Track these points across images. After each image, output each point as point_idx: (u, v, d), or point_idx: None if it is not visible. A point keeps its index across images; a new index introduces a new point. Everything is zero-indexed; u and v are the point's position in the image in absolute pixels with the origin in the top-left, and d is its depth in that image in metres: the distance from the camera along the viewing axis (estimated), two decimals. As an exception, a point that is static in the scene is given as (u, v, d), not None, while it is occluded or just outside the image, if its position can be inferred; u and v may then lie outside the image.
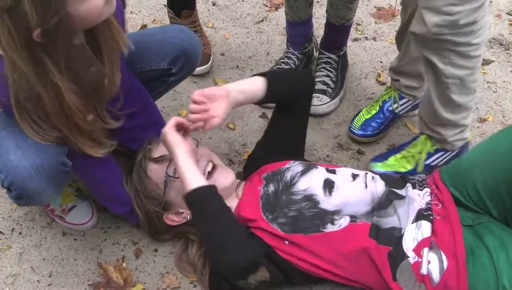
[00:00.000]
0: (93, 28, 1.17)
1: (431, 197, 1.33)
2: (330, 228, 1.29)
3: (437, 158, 1.66)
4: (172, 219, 1.44)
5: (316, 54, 2.07)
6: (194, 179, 1.25)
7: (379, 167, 1.67)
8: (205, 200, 1.25)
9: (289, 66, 1.97)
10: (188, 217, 1.39)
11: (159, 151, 1.43)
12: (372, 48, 2.18)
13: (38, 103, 1.12)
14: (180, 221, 1.44)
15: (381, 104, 1.82)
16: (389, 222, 1.28)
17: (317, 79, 1.94)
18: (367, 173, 1.40)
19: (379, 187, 1.35)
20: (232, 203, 1.40)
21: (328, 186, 1.35)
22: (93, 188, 1.49)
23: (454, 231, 1.24)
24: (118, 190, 1.46)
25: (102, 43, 1.21)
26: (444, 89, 1.47)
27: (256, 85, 1.39)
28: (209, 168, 1.39)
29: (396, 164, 1.66)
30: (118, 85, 1.30)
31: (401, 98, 1.80)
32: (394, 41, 2.17)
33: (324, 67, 1.96)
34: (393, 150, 1.72)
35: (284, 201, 1.34)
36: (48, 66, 1.06)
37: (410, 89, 1.77)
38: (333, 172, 1.41)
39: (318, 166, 1.43)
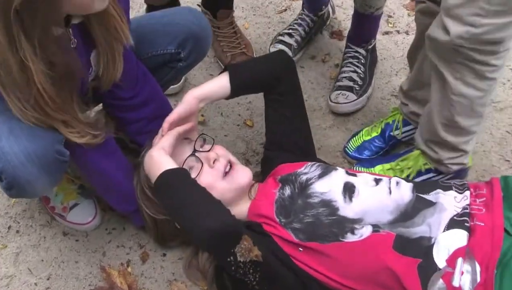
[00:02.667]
0: (90, 14, 1.17)
1: (474, 201, 1.29)
2: (350, 237, 1.25)
3: (427, 179, 1.58)
4: None
5: (332, 16, 2.10)
6: (167, 164, 1.28)
7: None
8: (175, 175, 1.27)
9: (302, 28, 1.99)
10: None
11: None
12: (404, 42, 2.11)
13: (9, 77, 1.10)
14: None
15: (383, 126, 1.72)
16: (417, 231, 1.24)
17: (343, 75, 1.90)
18: (391, 178, 1.36)
19: (405, 193, 1.31)
20: (244, 205, 1.37)
21: (349, 190, 1.32)
22: (94, 183, 1.46)
23: (494, 242, 1.20)
24: (122, 186, 1.43)
25: (99, 30, 1.21)
26: (447, 107, 1.40)
27: (221, 84, 1.43)
28: (227, 168, 1.38)
29: (382, 174, 1.59)
30: (120, 71, 1.31)
31: (406, 124, 1.70)
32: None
33: (351, 62, 1.91)
34: (383, 158, 1.67)
35: (299, 205, 1.31)
36: (22, 43, 1.03)
37: (418, 116, 1.65)
38: (354, 175, 1.38)
39: (338, 168, 1.41)
